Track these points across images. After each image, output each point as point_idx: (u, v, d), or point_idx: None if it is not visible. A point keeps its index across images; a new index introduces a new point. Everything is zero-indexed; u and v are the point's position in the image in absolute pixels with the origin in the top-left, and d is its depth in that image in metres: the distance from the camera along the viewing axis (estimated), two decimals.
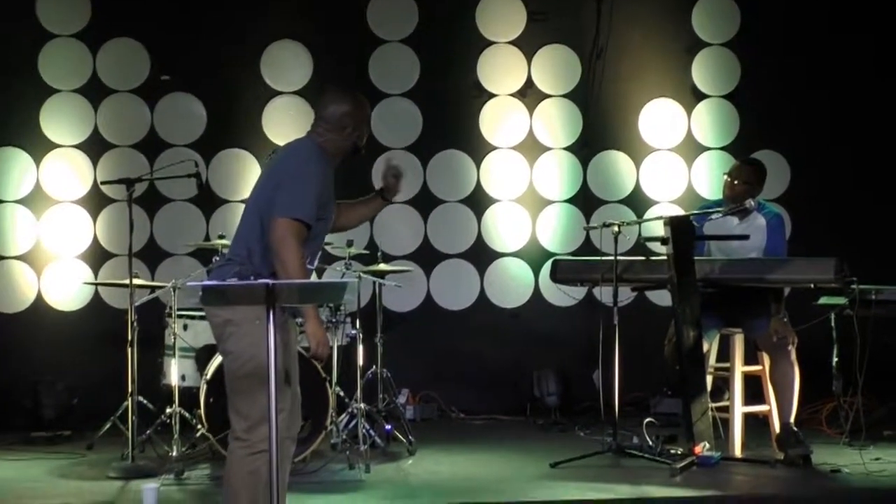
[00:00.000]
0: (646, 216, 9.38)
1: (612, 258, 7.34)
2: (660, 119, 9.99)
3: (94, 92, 9.57)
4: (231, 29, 9.59)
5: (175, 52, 9.58)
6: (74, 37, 9.56)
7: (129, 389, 7.45)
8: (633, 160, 9.99)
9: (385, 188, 5.46)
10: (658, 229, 7.39)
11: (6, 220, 9.47)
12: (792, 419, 7.23)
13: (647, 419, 7.72)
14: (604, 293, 7.65)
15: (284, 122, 9.60)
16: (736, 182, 7.50)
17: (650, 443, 7.41)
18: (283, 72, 9.75)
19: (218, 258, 7.51)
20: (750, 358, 7.57)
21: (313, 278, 8.25)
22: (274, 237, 4.83)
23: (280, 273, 4.80)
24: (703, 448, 7.03)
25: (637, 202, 9.90)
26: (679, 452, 7.23)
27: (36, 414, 8.78)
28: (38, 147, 9.49)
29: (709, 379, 7.47)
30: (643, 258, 7.62)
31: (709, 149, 9.98)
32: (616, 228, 7.36)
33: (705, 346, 7.34)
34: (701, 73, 10.01)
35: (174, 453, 7.38)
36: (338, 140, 5.14)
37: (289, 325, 4.99)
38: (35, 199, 9.49)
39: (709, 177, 9.83)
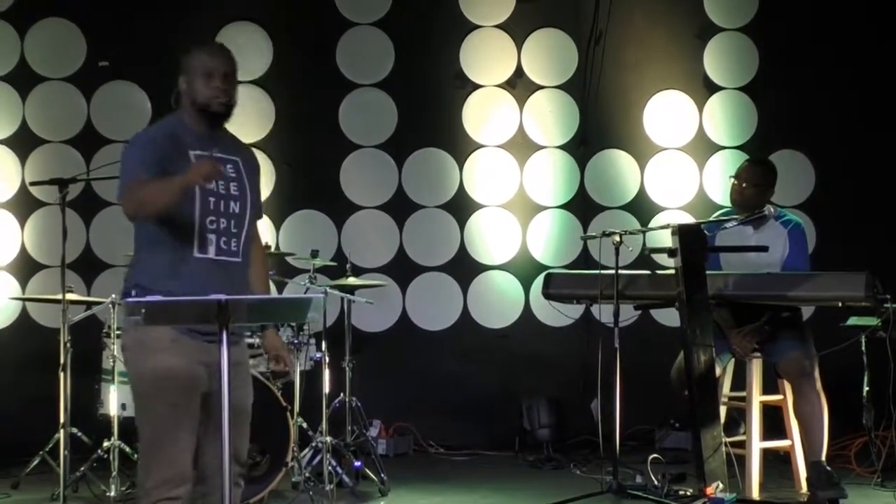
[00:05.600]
0: (651, 224, 9.40)
1: (612, 272, 7.35)
2: (667, 114, 10.03)
3: (22, 79, 9.57)
4: (179, 8, 9.59)
5: (114, 35, 9.58)
6: None
7: (62, 420, 7.43)
8: (637, 161, 10.02)
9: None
10: (665, 239, 7.39)
11: None
12: (823, 457, 7.22)
13: (652, 455, 7.70)
14: (603, 311, 7.64)
15: (241, 116, 9.50)
16: (744, 185, 7.51)
17: (655, 482, 7.40)
18: (239, 58, 9.71)
19: None
20: (769, 386, 7.58)
21: (273, 292, 8.27)
22: (122, 205, 4.79)
23: (152, 208, 4.72)
24: (715, 489, 7.02)
25: (641, 208, 9.94)
26: (688, 493, 7.22)
27: None
28: None
29: (722, 410, 7.47)
30: (648, 272, 7.62)
31: (722, 148, 10.01)
32: (617, 238, 7.36)
33: (718, 372, 7.34)
34: (714, 61, 10.05)
35: (112, 493, 7.37)
36: (186, 101, 4.99)
37: (184, 347, 4.85)
38: None
39: (722, 179, 9.82)
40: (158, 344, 4.70)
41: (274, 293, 8.56)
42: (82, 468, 7.65)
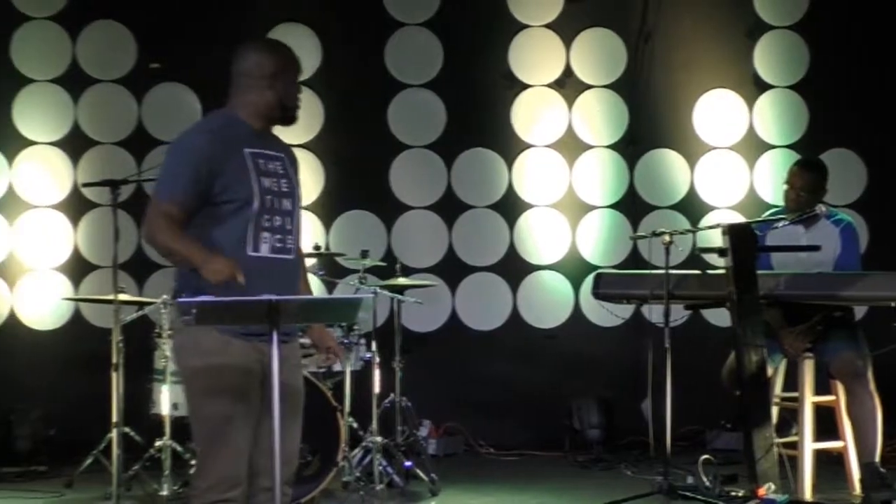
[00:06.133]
0: (701, 224, 9.32)
1: (662, 271, 7.31)
2: (717, 113, 9.99)
3: (74, 82, 9.64)
4: (229, 10, 9.63)
5: (165, 37, 9.64)
6: (51, 19, 9.64)
7: (114, 419, 7.46)
8: (687, 160, 9.98)
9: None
10: (715, 239, 7.35)
11: None
12: (877, 458, 7.17)
13: (704, 456, 7.66)
14: (653, 311, 7.62)
15: None
16: (800, 192, 7.45)
17: (707, 483, 7.37)
18: None
19: None
20: (822, 386, 7.52)
21: (322, 293, 8.29)
22: (144, 222, 4.81)
23: (165, 256, 4.79)
24: (767, 490, 6.98)
25: (691, 208, 9.90)
26: (740, 494, 7.19)
27: (7, 446, 8.81)
28: (11, 144, 9.57)
29: (774, 410, 7.43)
30: (698, 272, 7.58)
31: (773, 147, 9.96)
32: (667, 238, 7.32)
33: (769, 373, 7.30)
34: (764, 60, 10.00)
35: (165, 492, 7.41)
36: (254, 99, 4.90)
37: (235, 348, 4.76)
38: (7, 204, 9.56)
39: (773, 179, 9.79)
40: (210, 345, 4.68)
41: (323, 293, 8.58)
42: (135, 467, 7.69)
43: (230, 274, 4.56)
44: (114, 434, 7.46)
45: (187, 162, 4.74)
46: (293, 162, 5.06)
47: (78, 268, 9.59)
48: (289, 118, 4.96)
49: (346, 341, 7.76)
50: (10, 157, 9.55)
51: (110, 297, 7.56)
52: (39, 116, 9.60)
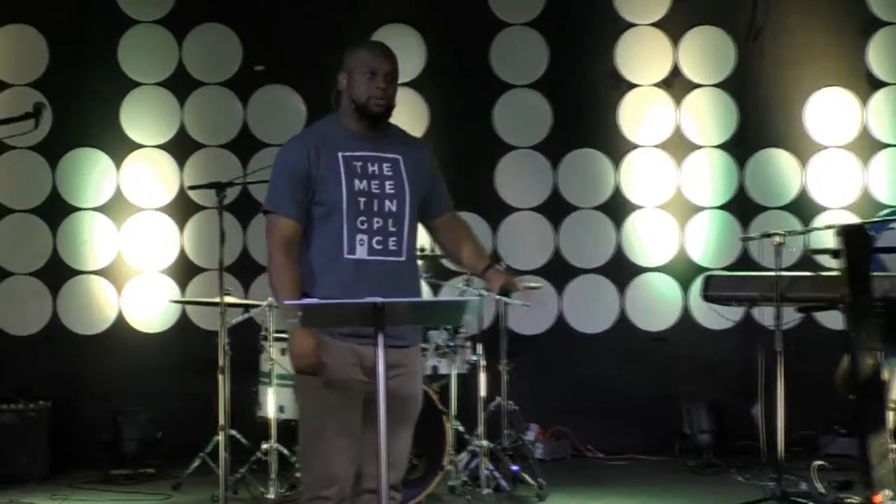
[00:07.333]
0: (813, 225, 9.25)
1: (773, 273, 7.23)
2: (829, 111, 9.85)
3: (181, 85, 9.74)
4: (333, 12, 9.68)
5: (270, 39, 9.71)
6: (158, 23, 9.75)
7: (221, 422, 7.52)
8: (798, 159, 9.85)
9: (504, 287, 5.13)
10: (828, 240, 7.27)
11: (83, 230, 9.66)
12: None
13: (817, 462, 7.58)
14: (764, 314, 7.53)
15: (395, 118, 9.61)
16: None
17: (821, 489, 7.30)
18: None
19: None
20: None
21: (428, 295, 8.28)
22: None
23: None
24: (883, 497, 6.88)
25: (803, 208, 9.77)
26: (855, 501, 7.10)
27: (116, 448, 8.92)
28: (119, 147, 9.68)
29: (890, 415, 7.31)
30: (810, 273, 7.50)
31: (888, 146, 9.79)
32: (778, 239, 7.26)
33: (885, 376, 7.19)
34: (878, 56, 9.83)
35: (271, 495, 7.46)
36: (346, 100, 5.05)
37: (336, 350, 4.82)
38: (115, 207, 9.68)
39: (888, 178, 9.66)
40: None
41: (429, 296, 8.57)
42: (241, 470, 7.76)
43: (306, 366, 4.76)
44: (220, 437, 7.51)
45: (285, 169, 4.88)
46: (415, 162, 5.10)
47: (184, 270, 9.68)
48: (367, 114, 5.00)
49: (451, 344, 7.76)
50: (118, 161, 9.66)
51: (216, 299, 7.62)
52: (146, 119, 9.71)
